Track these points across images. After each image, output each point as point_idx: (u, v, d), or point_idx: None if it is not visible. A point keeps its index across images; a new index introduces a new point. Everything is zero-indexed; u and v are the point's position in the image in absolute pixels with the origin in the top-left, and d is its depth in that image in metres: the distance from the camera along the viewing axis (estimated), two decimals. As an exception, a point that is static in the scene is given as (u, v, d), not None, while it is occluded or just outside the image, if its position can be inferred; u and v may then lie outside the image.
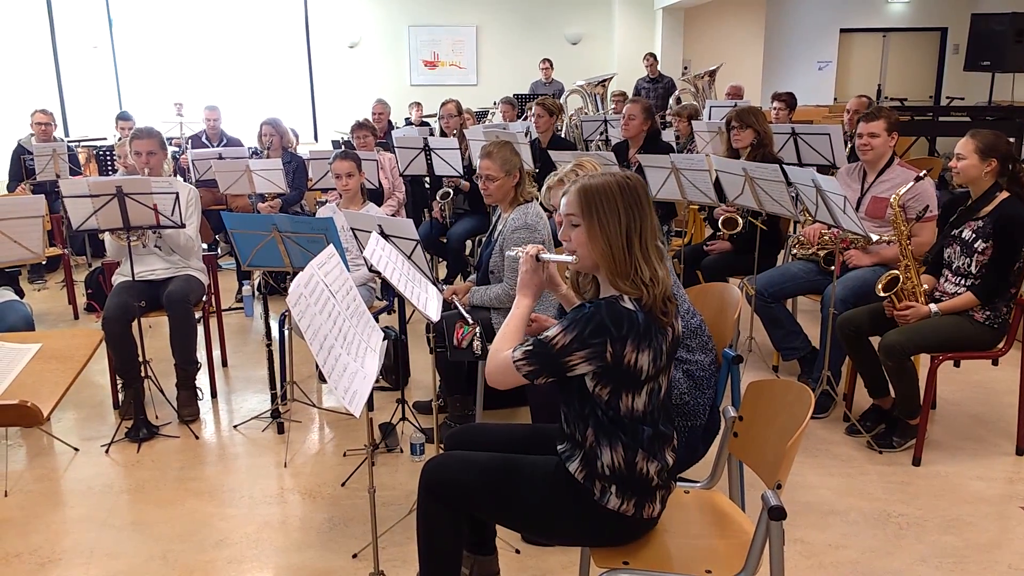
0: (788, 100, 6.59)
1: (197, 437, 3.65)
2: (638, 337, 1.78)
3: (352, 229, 3.33)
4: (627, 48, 11.92)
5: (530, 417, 2.72)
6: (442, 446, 2.34)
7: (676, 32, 11.87)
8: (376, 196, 5.54)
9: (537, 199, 3.43)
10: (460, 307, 3.00)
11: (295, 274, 3.61)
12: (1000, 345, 3.26)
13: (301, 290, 1.81)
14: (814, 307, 4.36)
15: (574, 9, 12.30)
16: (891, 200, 3.33)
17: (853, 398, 3.73)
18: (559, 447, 2.00)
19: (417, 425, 3.43)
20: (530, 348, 1.83)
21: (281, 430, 3.66)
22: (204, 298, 4.02)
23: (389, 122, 8.02)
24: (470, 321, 3.04)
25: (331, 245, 2.21)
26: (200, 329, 3.99)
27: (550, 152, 4.75)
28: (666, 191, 4.33)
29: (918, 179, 3.38)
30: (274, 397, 3.75)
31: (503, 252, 3.36)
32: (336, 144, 7.88)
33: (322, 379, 4.18)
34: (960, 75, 14.38)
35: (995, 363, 3.32)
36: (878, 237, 3.42)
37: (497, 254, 3.38)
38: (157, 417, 3.76)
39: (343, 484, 3.16)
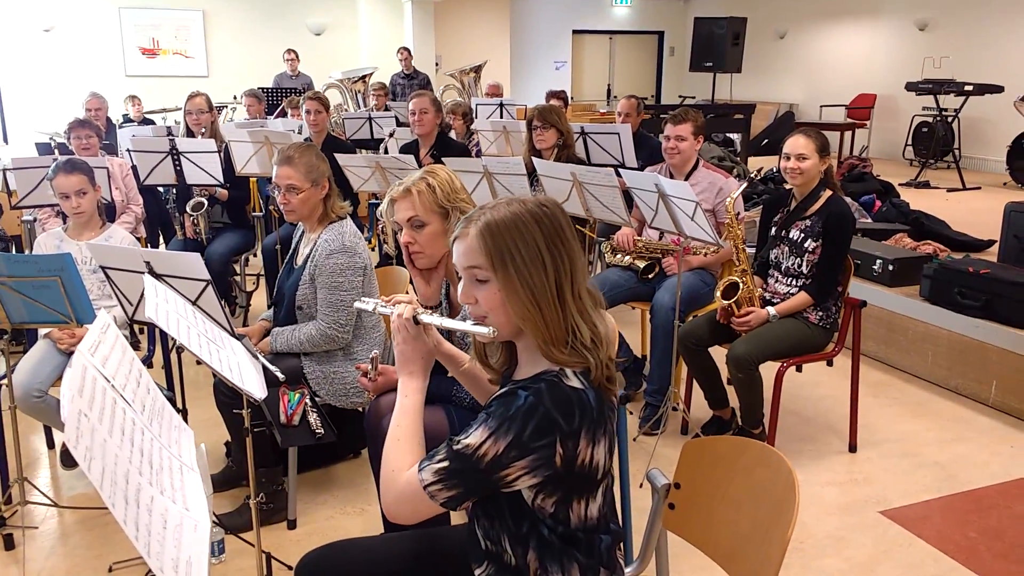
0: (564, 98, 6.46)
1: None
2: (592, 426, 1.30)
3: (103, 269, 2.46)
4: (376, 41, 11.33)
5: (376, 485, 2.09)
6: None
7: (427, 26, 11.48)
8: (108, 212, 4.47)
9: (349, 215, 2.82)
10: (260, 358, 2.31)
11: (15, 331, 2.68)
12: (832, 346, 3.26)
13: (78, 407, 1.08)
14: (624, 311, 4.18)
15: (315, -4, 11.43)
16: (727, 205, 3.18)
17: (690, 409, 3.57)
18: (477, 571, 1.46)
19: (214, 517, 2.63)
20: (444, 464, 1.28)
21: (10, 545, 2.65)
22: None
23: (108, 119, 6.72)
24: (281, 377, 2.37)
25: (102, 312, 1.45)
26: None
27: (337, 156, 4.07)
28: (478, 199, 3.87)
29: (751, 180, 3.27)
30: (-6, 500, 2.73)
31: (314, 282, 2.69)
32: (45, 148, 6.42)
33: (65, 463, 3.16)
34: (677, 75, 15.66)
35: (830, 364, 3.30)
36: (728, 245, 3.26)
37: (306, 284, 2.70)
38: None
39: (116, 617, 2.32)
